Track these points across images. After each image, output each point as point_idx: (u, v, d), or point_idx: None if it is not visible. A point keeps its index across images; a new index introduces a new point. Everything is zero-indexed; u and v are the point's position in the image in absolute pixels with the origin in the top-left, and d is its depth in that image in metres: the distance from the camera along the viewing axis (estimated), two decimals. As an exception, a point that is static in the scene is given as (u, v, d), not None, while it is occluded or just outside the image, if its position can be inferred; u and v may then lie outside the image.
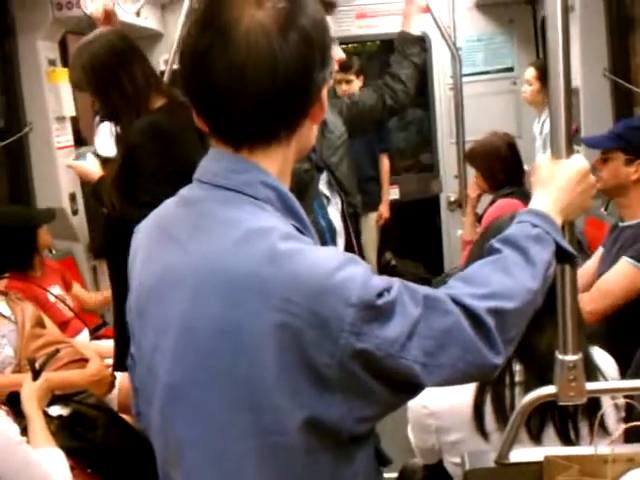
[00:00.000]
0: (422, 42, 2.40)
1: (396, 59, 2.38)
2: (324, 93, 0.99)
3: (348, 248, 2.28)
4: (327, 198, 2.27)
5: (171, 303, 0.96)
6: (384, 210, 4.62)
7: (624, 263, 2.20)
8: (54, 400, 1.99)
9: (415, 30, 2.37)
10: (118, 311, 2.35)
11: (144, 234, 1.07)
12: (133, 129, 2.32)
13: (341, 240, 2.27)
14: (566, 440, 1.40)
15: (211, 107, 0.96)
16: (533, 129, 3.99)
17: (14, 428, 1.57)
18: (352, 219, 2.33)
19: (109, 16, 2.70)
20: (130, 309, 1.07)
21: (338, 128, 2.33)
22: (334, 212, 2.27)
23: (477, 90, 4.42)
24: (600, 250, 2.50)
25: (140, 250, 1.06)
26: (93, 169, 2.62)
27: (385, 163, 4.64)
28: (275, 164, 0.98)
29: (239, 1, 0.92)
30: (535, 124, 3.96)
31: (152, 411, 1.02)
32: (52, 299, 2.97)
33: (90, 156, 2.79)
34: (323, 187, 2.25)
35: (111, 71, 2.33)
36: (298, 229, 0.96)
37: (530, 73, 3.87)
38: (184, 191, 1.04)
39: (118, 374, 2.39)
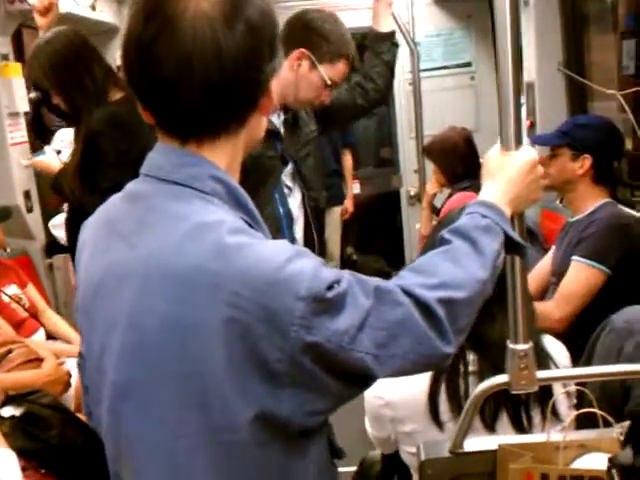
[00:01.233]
0: (392, 38, 2.40)
1: (368, 57, 2.39)
2: (272, 84, 0.98)
3: (307, 242, 2.29)
4: (289, 189, 2.27)
5: (118, 300, 0.95)
6: (348, 204, 4.64)
7: (577, 264, 2.25)
8: (7, 400, 1.95)
9: (385, 27, 2.37)
10: None
11: (91, 230, 1.06)
12: (93, 118, 2.38)
13: (299, 232, 2.28)
14: (519, 428, 1.42)
15: (157, 99, 0.95)
16: None
17: None
18: (313, 213, 2.33)
19: (49, 8, 2.66)
20: (77, 307, 1.05)
21: (309, 125, 2.34)
22: (294, 202, 2.27)
23: (436, 85, 4.45)
24: (553, 248, 2.55)
25: (86, 246, 1.05)
26: (53, 162, 2.61)
27: (348, 158, 4.66)
28: (224, 157, 0.97)
29: None
30: None
31: (101, 409, 1.01)
32: (6, 299, 2.90)
33: (49, 149, 2.77)
34: (286, 178, 2.25)
35: (71, 68, 2.39)
36: (248, 223, 0.96)
37: None
38: (130, 185, 1.02)
39: (74, 373, 2.35)
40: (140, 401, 0.94)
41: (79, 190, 2.39)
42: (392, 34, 2.41)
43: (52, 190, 2.71)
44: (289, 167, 2.26)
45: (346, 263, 4.73)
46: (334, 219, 4.63)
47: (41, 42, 2.46)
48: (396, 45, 2.43)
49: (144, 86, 0.95)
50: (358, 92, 2.36)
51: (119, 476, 1.02)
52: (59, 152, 3.28)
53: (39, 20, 2.66)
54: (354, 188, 4.77)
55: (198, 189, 0.95)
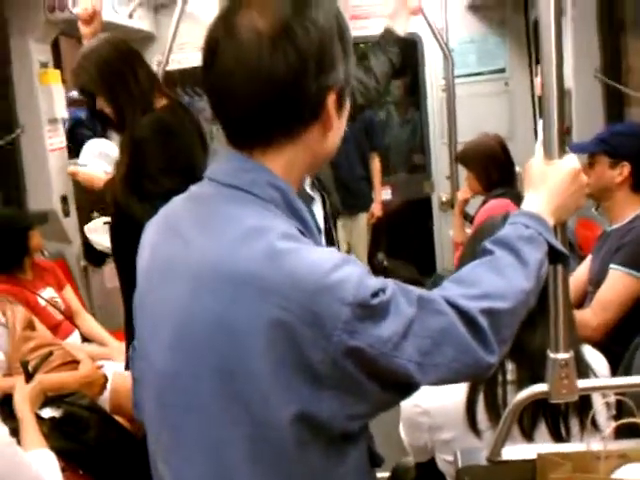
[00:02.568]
0: (403, 44, 2.34)
1: (374, 52, 2.30)
2: (330, 100, 0.98)
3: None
4: (312, 198, 2.26)
5: (170, 295, 0.98)
6: (376, 209, 4.63)
7: (615, 272, 2.23)
8: (46, 402, 1.99)
9: (400, 30, 2.35)
10: (128, 311, 2.38)
11: (152, 229, 1.10)
12: (140, 125, 2.39)
13: (323, 239, 2.28)
14: (558, 438, 1.41)
15: (214, 107, 1.01)
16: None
17: (3, 429, 1.56)
18: (334, 219, 2.32)
19: (93, 17, 2.70)
20: (135, 301, 1.10)
21: None
22: (318, 211, 2.26)
23: (469, 91, 4.43)
24: (590, 257, 2.52)
25: (147, 244, 1.09)
26: (98, 174, 2.63)
27: (376, 162, 4.65)
28: (278, 167, 0.99)
29: (250, 5, 0.96)
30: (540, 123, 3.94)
31: (147, 399, 1.05)
32: (42, 303, 2.96)
33: (94, 161, 2.79)
34: (307, 187, 2.25)
35: (118, 73, 2.41)
36: (300, 230, 0.98)
37: None
38: (194, 188, 1.07)
39: (110, 375, 2.38)
40: (185, 393, 0.97)
41: (126, 198, 2.40)
42: (404, 40, 2.34)
43: (101, 204, 2.72)
44: (307, 177, 2.25)
45: (377, 269, 4.72)
46: (361, 225, 4.63)
47: (88, 48, 2.50)
48: (403, 51, 2.35)
49: (207, 93, 1.01)
50: (358, 90, 2.22)
51: (157, 466, 1.05)
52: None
53: (83, 29, 2.71)
54: (385, 194, 4.76)
55: (256, 195, 0.97)
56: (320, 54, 0.95)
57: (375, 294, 0.91)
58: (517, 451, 1.30)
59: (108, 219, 2.92)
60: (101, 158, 3.52)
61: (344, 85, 1.00)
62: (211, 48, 0.98)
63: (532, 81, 4.43)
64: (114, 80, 2.41)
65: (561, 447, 1.32)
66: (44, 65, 3.44)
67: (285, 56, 0.93)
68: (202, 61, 1.00)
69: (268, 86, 0.94)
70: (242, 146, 1.00)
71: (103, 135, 3.88)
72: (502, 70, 4.54)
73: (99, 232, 3.01)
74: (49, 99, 3.44)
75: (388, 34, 2.34)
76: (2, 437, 1.56)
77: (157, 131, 2.39)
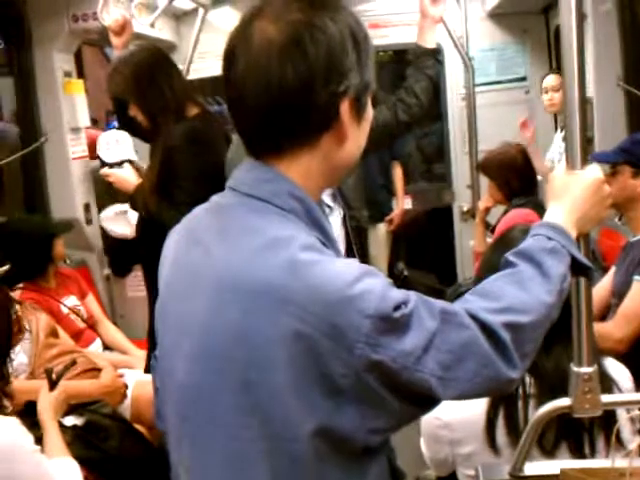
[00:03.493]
0: (436, 54, 2.39)
1: (411, 72, 2.37)
2: (344, 108, 0.97)
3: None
4: (329, 208, 2.26)
5: (192, 305, 0.98)
6: (395, 217, 4.60)
7: (638, 284, 2.20)
8: (69, 410, 2.00)
9: (430, 43, 2.37)
10: (152, 317, 2.39)
11: (175, 238, 1.10)
12: (173, 134, 2.42)
13: (341, 252, 2.26)
14: (580, 454, 1.39)
15: (231, 113, 1.02)
16: (555, 138, 3.94)
17: (27, 437, 1.57)
18: (355, 232, 2.32)
19: (124, 28, 2.73)
20: (156, 311, 1.10)
21: None
22: (335, 222, 2.26)
23: (490, 100, 4.40)
24: (613, 269, 2.49)
25: (169, 253, 1.09)
26: (131, 178, 2.65)
27: (398, 171, 4.63)
28: (295, 176, 0.99)
29: (264, 12, 0.96)
30: (558, 132, 3.92)
31: (168, 410, 1.05)
32: (65, 310, 2.98)
33: (127, 165, 2.81)
34: (326, 198, 2.24)
35: (153, 79, 2.45)
36: (321, 241, 0.97)
37: (553, 80, 3.81)
38: (216, 197, 1.07)
39: (130, 384, 2.40)
40: (206, 405, 0.96)
41: (156, 205, 2.42)
42: (436, 50, 2.39)
43: (130, 207, 2.73)
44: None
45: (397, 279, 4.70)
46: (380, 235, 4.60)
47: (124, 55, 2.53)
48: (439, 62, 2.40)
49: (226, 101, 1.02)
50: (400, 108, 2.32)
51: (181, 477, 1.05)
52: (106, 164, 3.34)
53: (114, 40, 2.74)
54: (406, 203, 4.74)
55: (277, 205, 0.97)
56: (329, 63, 0.95)
57: (397, 307, 0.90)
58: (539, 467, 1.28)
59: (121, 206, 2.94)
60: (114, 148, 3.55)
61: (360, 92, 0.99)
62: (228, 57, 0.99)
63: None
64: (149, 87, 2.44)
65: (585, 463, 1.30)
66: (68, 74, 3.48)
67: (293, 65, 0.93)
68: (222, 70, 1.01)
69: (277, 94, 0.94)
70: (257, 154, 1.01)
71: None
72: (523, 79, 4.51)
73: (112, 220, 3.02)
74: (72, 108, 3.48)
75: (419, 50, 2.36)
76: (27, 445, 1.57)
77: (190, 140, 2.41)
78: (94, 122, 3.83)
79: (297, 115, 0.95)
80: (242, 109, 0.99)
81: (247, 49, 0.96)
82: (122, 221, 2.90)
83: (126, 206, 2.86)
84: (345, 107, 0.97)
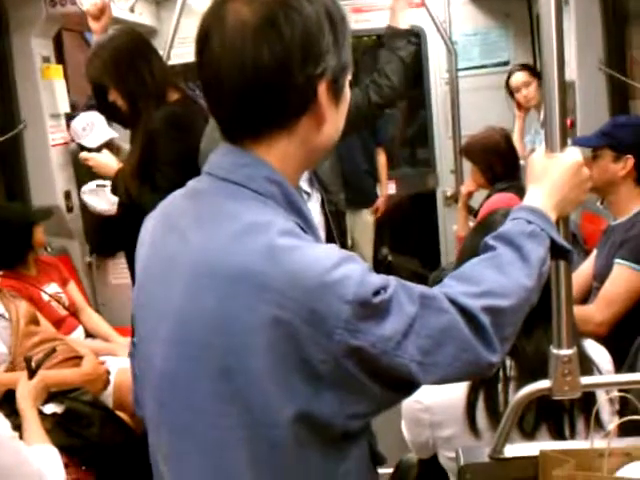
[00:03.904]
0: (409, 36, 2.37)
1: (383, 54, 2.36)
2: (321, 90, 0.96)
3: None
4: (307, 194, 2.25)
5: (168, 292, 0.97)
6: (380, 203, 4.60)
7: (619, 267, 2.22)
8: (49, 398, 1.99)
9: (402, 24, 2.35)
10: None
11: (151, 223, 1.09)
12: (154, 118, 2.42)
13: (322, 236, 2.26)
14: (560, 436, 1.40)
15: (205, 95, 1.00)
16: (532, 128, 3.94)
17: (4, 423, 1.56)
18: (334, 216, 2.31)
19: (103, 12, 2.70)
20: (133, 298, 1.09)
21: None
22: (314, 208, 2.25)
23: (473, 84, 4.40)
24: (594, 252, 2.51)
25: (146, 238, 1.08)
26: (110, 162, 2.62)
27: (382, 157, 4.62)
28: (272, 160, 0.98)
29: None
30: (535, 121, 3.91)
31: (147, 398, 1.04)
32: (46, 298, 2.96)
33: (106, 150, 2.79)
34: (303, 184, 2.23)
35: (132, 64, 2.44)
36: (300, 226, 0.96)
37: (522, 76, 3.82)
38: (192, 183, 1.05)
39: (113, 371, 2.39)
40: (184, 392, 0.96)
41: (137, 189, 2.41)
42: (409, 32, 2.37)
43: (111, 192, 2.71)
44: (304, 173, 2.24)
45: (381, 264, 4.70)
46: (365, 220, 4.60)
47: (103, 40, 2.51)
48: (412, 43, 2.39)
49: (201, 82, 1.00)
50: (372, 89, 2.30)
51: (158, 465, 1.05)
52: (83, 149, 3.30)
53: (93, 25, 2.72)
54: (389, 188, 4.73)
55: (255, 190, 0.96)
56: (306, 43, 0.94)
57: (376, 292, 0.90)
58: (519, 449, 1.29)
59: (101, 182, 2.92)
60: (91, 131, 3.51)
61: (338, 74, 0.98)
62: (201, 38, 0.97)
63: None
64: (128, 71, 2.43)
65: (564, 444, 1.31)
66: (46, 60, 3.43)
67: (269, 46, 0.92)
68: (195, 53, 0.99)
69: (252, 76, 0.93)
70: (233, 138, 0.99)
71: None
72: (506, 63, 4.50)
73: (93, 194, 3.00)
74: (51, 94, 3.43)
75: (390, 31, 2.35)
76: (4, 430, 1.56)
77: (170, 124, 2.41)
78: (73, 108, 3.76)
79: (274, 98, 0.94)
80: (217, 93, 0.97)
81: (221, 31, 0.94)
82: (102, 196, 2.88)
83: (107, 182, 2.84)
84: (323, 89, 0.96)
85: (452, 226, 4.19)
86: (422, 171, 4.94)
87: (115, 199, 2.68)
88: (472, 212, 3.38)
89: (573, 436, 1.40)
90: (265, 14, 0.92)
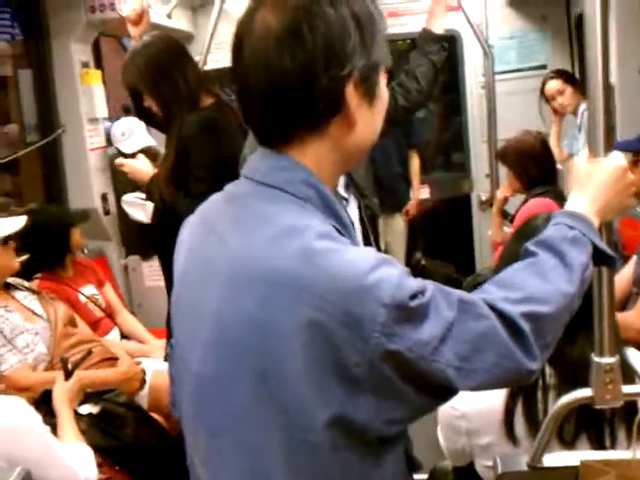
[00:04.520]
0: (443, 41, 2.34)
1: (414, 56, 2.32)
2: (349, 92, 0.95)
3: None
4: (345, 200, 2.24)
5: (207, 294, 0.98)
6: (411, 207, 4.56)
7: None
8: (85, 399, 2.01)
9: (438, 29, 2.32)
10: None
11: (189, 228, 1.10)
12: (187, 123, 2.43)
13: (359, 240, 2.25)
14: (600, 446, 1.37)
15: (239, 102, 1.01)
16: (570, 132, 3.88)
17: (37, 417, 1.58)
18: (370, 222, 2.30)
19: (141, 18, 2.73)
20: (172, 301, 1.10)
21: None
22: (353, 214, 2.23)
23: (509, 88, 4.35)
24: (634, 258, 2.46)
25: (184, 243, 1.09)
26: (145, 168, 2.65)
27: (415, 160, 4.59)
28: (308, 163, 0.98)
29: (266, 1, 0.96)
30: (573, 126, 3.86)
31: (184, 399, 1.05)
32: (83, 299, 3.00)
33: (141, 156, 2.82)
34: (340, 189, 2.22)
35: (166, 70, 2.46)
36: (337, 229, 0.96)
37: (556, 84, 3.78)
38: (230, 187, 1.06)
39: (148, 373, 2.41)
40: (221, 394, 0.96)
41: (171, 195, 2.43)
42: (443, 37, 2.34)
43: (146, 198, 2.74)
44: (342, 177, 2.22)
45: (414, 268, 4.67)
46: (398, 224, 4.57)
47: (138, 46, 2.54)
48: (445, 49, 2.34)
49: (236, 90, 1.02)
50: (400, 92, 2.26)
51: (194, 465, 1.05)
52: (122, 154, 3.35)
53: (132, 30, 2.75)
54: (423, 192, 4.70)
55: (292, 193, 0.96)
56: (328, 48, 0.93)
57: (414, 296, 0.89)
58: (558, 458, 1.26)
59: (140, 195, 2.96)
60: (129, 137, 3.59)
61: (368, 73, 0.97)
62: (235, 47, 0.99)
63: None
64: (162, 77, 2.45)
65: (605, 454, 1.29)
66: (85, 65, 3.49)
67: (290, 52, 0.92)
68: (231, 60, 1.01)
69: (277, 81, 0.93)
70: (268, 143, 1.00)
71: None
72: (543, 67, 4.45)
73: (130, 205, 3.04)
74: (89, 99, 3.49)
75: (426, 34, 2.33)
76: (36, 426, 1.58)
77: (204, 130, 2.41)
78: (126, 111, 3.83)
79: (299, 101, 0.94)
80: (248, 98, 0.98)
81: (250, 39, 0.96)
82: (139, 208, 2.92)
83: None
84: (350, 90, 0.95)
85: (487, 231, 4.14)
86: (456, 175, 4.90)
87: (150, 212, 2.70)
88: (507, 217, 3.34)
89: (614, 446, 1.37)
90: (287, 21, 0.93)
